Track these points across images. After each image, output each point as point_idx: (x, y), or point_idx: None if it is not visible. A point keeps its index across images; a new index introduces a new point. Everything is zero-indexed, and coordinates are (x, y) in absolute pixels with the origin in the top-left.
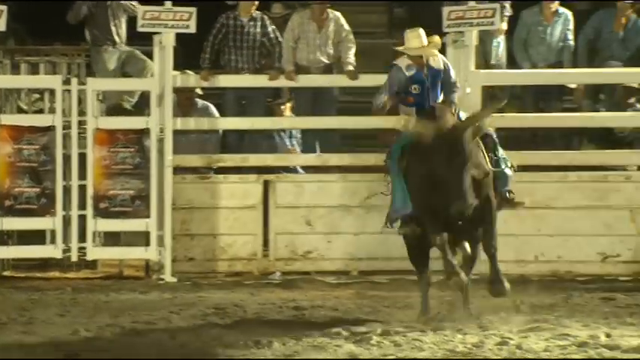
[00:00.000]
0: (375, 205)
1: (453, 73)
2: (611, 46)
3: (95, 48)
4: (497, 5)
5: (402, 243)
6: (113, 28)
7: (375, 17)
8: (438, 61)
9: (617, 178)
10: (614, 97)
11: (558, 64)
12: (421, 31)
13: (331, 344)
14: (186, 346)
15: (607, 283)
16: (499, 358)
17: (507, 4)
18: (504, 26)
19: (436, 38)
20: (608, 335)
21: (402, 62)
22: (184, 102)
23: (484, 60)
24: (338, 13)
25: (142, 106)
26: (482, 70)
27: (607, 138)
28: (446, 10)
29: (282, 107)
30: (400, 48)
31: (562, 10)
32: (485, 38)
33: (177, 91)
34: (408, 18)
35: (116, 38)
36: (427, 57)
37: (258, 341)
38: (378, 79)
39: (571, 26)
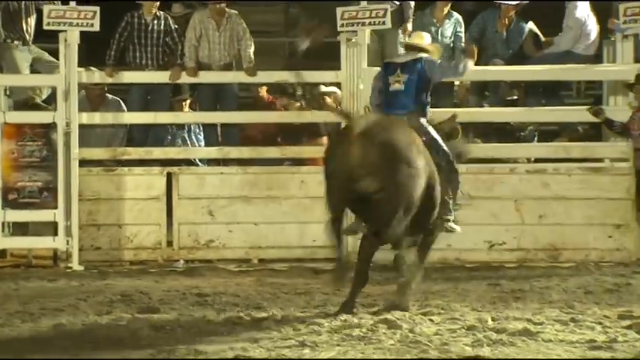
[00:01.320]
0: (274, 197)
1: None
2: (495, 45)
3: (5, 44)
4: (387, 5)
5: (299, 232)
6: (24, 26)
7: (272, 16)
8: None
9: (502, 170)
10: (498, 93)
11: None
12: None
13: (233, 329)
14: (94, 332)
15: (493, 269)
16: (393, 341)
17: (412, 4)
18: (409, 27)
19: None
20: (494, 319)
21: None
22: (94, 98)
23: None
24: (236, 12)
25: (52, 100)
26: (375, 68)
27: (496, 132)
28: (339, 10)
29: (183, 103)
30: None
31: (453, 12)
32: (388, 38)
33: (86, 87)
34: (304, 17)
35: (26, 36)
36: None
37: (163, 327)
38: (276, 76)
39: (462, 28)
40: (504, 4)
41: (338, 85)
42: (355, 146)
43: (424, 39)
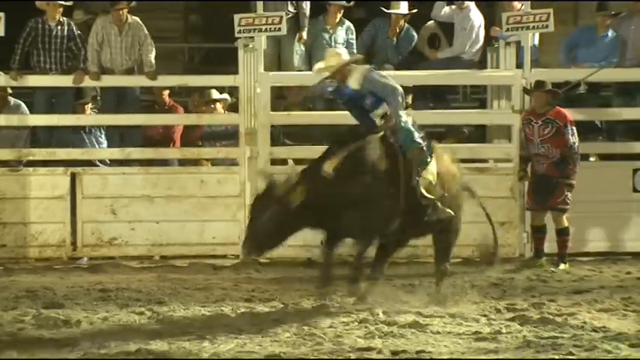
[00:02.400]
0: (174, 196)
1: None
2: (385, 51)
3: None
4: (283, 13)
5: (199, 230)
6: None
7: (172, 23)
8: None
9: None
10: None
11: None
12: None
13: (136, 323)
14: (1, 326)
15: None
16: (289, 334)
17: (307, 12)
18: (304, 34)
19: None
20: (385, 312)
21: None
22: None
23: (284, 63)
24: (137, 19)
25: None
26: (270, 72)
27: None
28: (237, 17)
29: (86, 106)
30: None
31: (345, 19)
32: (284, 44)
33: None
34: (202, 24)
35: None
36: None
37: (68, 321)
38: (176, 80)
39: (353, 35)
40: (395, 13)
41: (235, 88)
42: None
43: (342, 56)
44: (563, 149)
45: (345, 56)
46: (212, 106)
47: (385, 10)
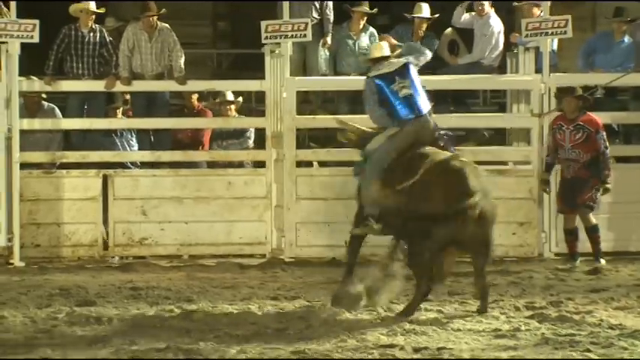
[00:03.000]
0: (202, 197)
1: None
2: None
3: None
4: (308, 20)
5: (227, 230)
6: None
7: (201, 30)
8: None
9: None
10: None
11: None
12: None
13: (165, 320)
14: (35, 324)
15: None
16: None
17: (331, 19)
18: (329, 40)
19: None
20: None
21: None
22: (31, 105)
23: (309, 68)
24: (167, 25)
25: None
26: (296, 77)
27: None
28: (264, 24)
29: (117, 110)
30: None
31: (368, 25)
32: (309, 49)
33: (24, 95)
34: (230, 31)
35: None
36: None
37: (99, 318)
38: (204, 85)
39: (377, 41)
40: (418, 17)
41: (263, 93)
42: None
43: (384, 49)
44: (594, 154)
45: (387, 50)
46: (227, 107)
47: (408, 16)
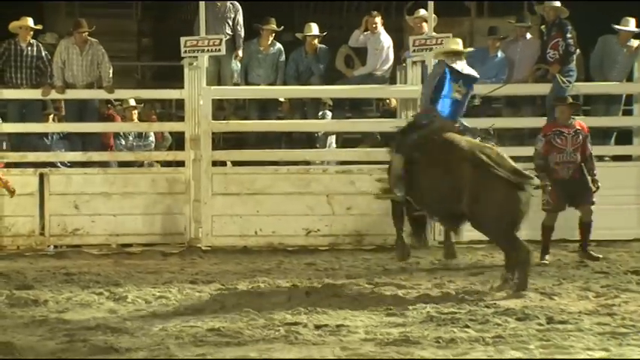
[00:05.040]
0: (129, 193)
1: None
2: (310, 67)
3: None
4: (222, 36)
5: (150, 222)
6: None
7: (127, 45)
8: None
9: (316, 171)
10: (317, 107)
11: (274, 83)
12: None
13: (95, 302)
14: None
15: (309, 252)
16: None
17: (242, 35)
18: (240, 53)
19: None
20: (308, 293)
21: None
22: None
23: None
24: (96, 40)
25: None
26: (212, 87)
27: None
28: (183, 39)
29: (49, 117)
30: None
31: (276, 42)
32: (223, 62)
33: None
34: (153, 46)
35: None
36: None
37: (36, 300)
38: (130, 94)
39: (283, 56)
40: (309, 36)
41: (182, 101)
42: None
43: (459, 44)
44: (583, 156)
45: (461, 46)
46: (131, 112)
47: (299, 36)
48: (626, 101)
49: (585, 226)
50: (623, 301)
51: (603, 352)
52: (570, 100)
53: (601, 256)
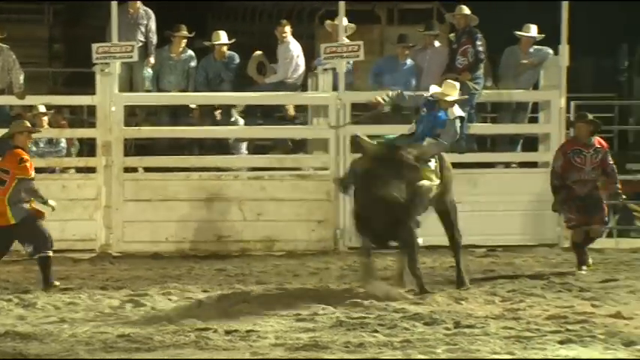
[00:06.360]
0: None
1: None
2: (219, 72)
3: None
4: (134, 43)
5: (61, 228)
6: None
7: (38, 51)
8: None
9: (228, 177)
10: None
11: (185, 90)
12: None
13: (4, 309)
14: None
15: (221, 258)
16: (138, 317)
17: (154, 42)
18: (152, 60)
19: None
20: (219, 299)
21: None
22: None
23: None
24: (7, 46)
25: None
26: (124, 93)
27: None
28: (94, 46)
29: None
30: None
31: (187, 49)
32: (135, 68)
33: None
34: (64, 52)
35: None
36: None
37: None
38: (42, 99)
39: (195, 62)
40: (217, 44)
41: (94, 107)
42: None
43: (457, 92)
44: (605, 171)
45: (458, 93)
46: (41, 118)
47: (207, 44)
48: (533, 109)
49: (589, 241)
50: (528, 305)
51: (508, 355)
52: (590, 117)
53: (591, 261)
